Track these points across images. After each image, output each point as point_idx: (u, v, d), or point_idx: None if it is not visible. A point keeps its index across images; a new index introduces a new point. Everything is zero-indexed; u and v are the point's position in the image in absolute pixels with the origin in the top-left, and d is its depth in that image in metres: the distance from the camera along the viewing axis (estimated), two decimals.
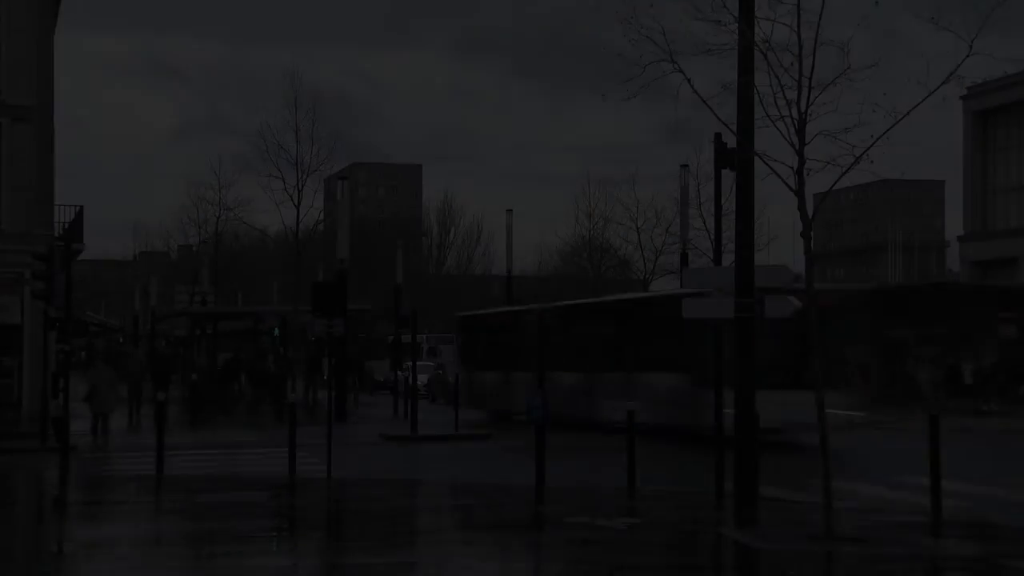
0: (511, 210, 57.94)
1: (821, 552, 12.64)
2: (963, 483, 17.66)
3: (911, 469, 19.02)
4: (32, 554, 13.73)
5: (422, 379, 41.20)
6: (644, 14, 12.91)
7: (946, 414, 19.82)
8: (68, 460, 20.44)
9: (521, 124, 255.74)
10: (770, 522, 15.36)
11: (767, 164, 13.25)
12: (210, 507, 16.66)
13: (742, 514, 15.63)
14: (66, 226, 36.77)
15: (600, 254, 65.18)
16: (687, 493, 18.17)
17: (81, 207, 38.62)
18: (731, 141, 16.15)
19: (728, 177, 19.59)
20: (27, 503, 19.09)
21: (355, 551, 13.53)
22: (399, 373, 40.78)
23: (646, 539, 14.83)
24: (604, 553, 13.31)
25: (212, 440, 28.80)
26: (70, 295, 26.33)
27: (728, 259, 24.06)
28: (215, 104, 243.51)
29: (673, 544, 14.35)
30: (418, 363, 35.21)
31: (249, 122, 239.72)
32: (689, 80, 13.16)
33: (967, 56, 12.35)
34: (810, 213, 13.12)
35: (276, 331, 45.22)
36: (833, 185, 13.42)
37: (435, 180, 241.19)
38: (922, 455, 15.47)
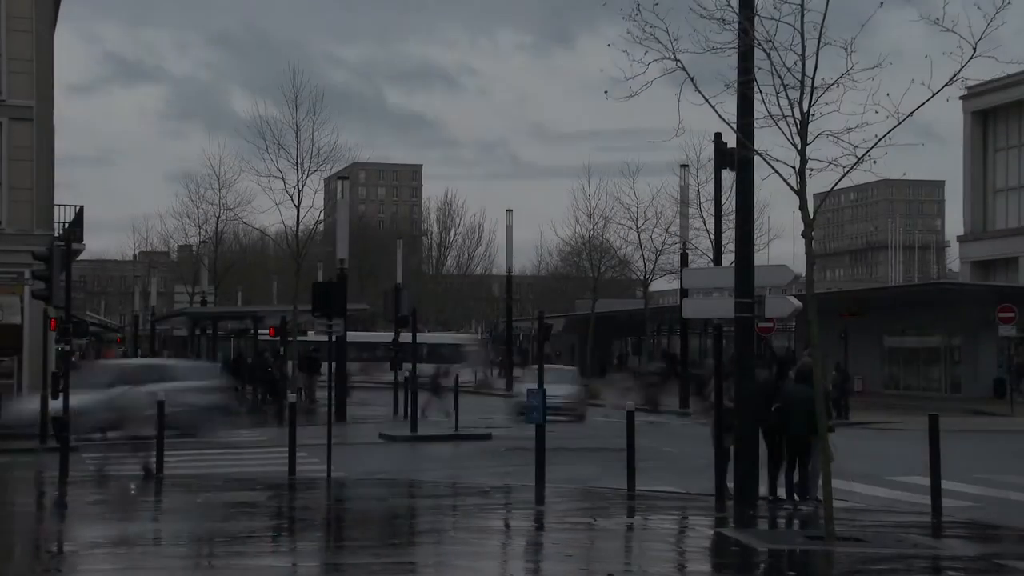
0: (511, 210, 58.01)
1: (821, 552, 12.63)
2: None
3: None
4: (32, 554, 13.72)
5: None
6: (648, 11, 12.90)
7: None
8: (68, 460, 20.39)
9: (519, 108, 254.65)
10: (770, 522, 15.36)
11: (769, 164, 13.24)
12: (210, 507, 16.65)
13: (742, 514, 15.63)
14: (66, 226, 36.73)
15: (600, 254, 65.00)
16: (687, 493, 18.15)
17: (81, 207, 38.57)
18: (732, 140, 16.13)
19: (728, 177, 19.60)
20: (27, 503, 19.07)
21: (355, 551, 13.51)
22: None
23: (646, 539, 14.83)
24: (604, 554, 13.31)
25: (212, 440, 28.75)
26: (70, 295, 26.31)
27: (728, 259, 24.05)
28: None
29: (673, 544, 14.34)
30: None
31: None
32: (692, 78, 13.15)
33: (971, 58, 12.34)
34: (811, 213, 13.10)
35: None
36: (834, 185, 13.42)
37: (435, 178, 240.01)
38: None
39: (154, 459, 20.59)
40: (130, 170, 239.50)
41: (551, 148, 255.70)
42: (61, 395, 25.70)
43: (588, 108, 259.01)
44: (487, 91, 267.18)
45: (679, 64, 13.05)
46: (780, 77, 12.70)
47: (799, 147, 12.77)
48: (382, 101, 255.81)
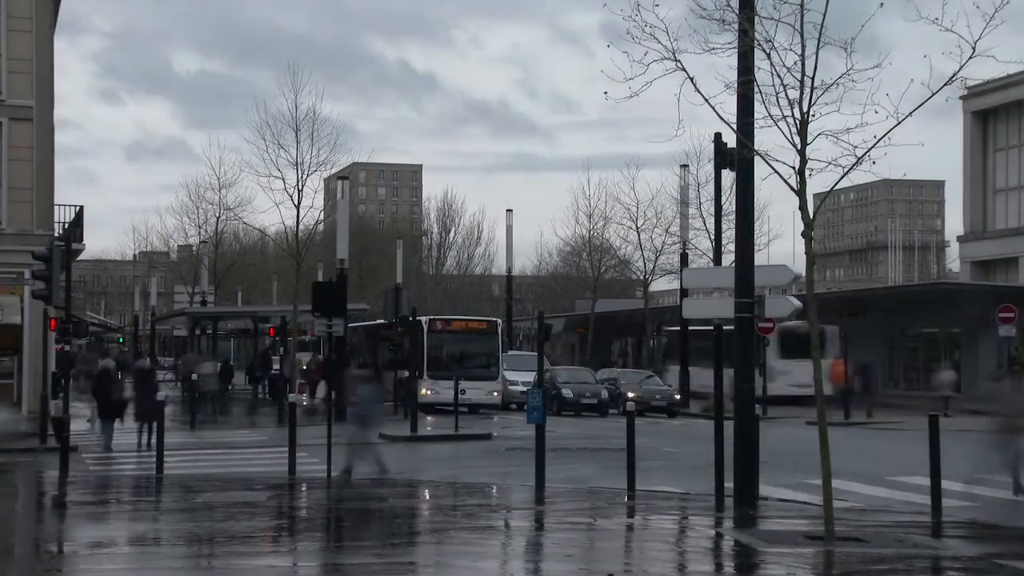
0: (511, 210, 58.07)
1: (821, 552, 12.63)
2: None
3: None
4: (32, 554, 13.72)
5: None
6: (648, 12, 12.90)
7: None
8: (68, 460, 20.42)
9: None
10: (770, 522, 15.36)
11: (768, 164, 13.24)
12: (210, 507, 16.65)
13: (742, 514, 15.63)
14: (66, 226, 36.75)
15: (600, 254, 65.00)
16: (687, 493, 18.16)
17: (81, 207, 38.61)
18: (732, 141, 16.13)
19: (728, 177, 19.60)
20: (27, 503, 19.07)
21: (355, 551, 13.51)
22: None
23: (646, 539, 14.82)
24: (604, 554, 13.31)
25: (212, 440, 28.79)
26: (70, 295, 26.31)
27: (728, 259, 24.07)
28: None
29: (673, 544, 14.33)
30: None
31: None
32: (692, 78, 13.16)
33: (970, 57, 12.35)
34: (811, 213, 13.11)
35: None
36: (834, 185, 13.43)
37: (435, 178, 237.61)
38: None
39: None
40: (81, 148, 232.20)
41: (553, 126, 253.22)
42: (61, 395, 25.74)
43: (587, 68, 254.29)
44: (479, 43, 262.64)
45: (679, 64, 13.06)
46: (780, 77, 12.72)
47: (799, 147, 12.77)
48: (356, 49, 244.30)
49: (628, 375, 44.46)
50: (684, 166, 45.71)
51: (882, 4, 12.64)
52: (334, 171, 48.11)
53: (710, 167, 36.45)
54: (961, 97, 52.71)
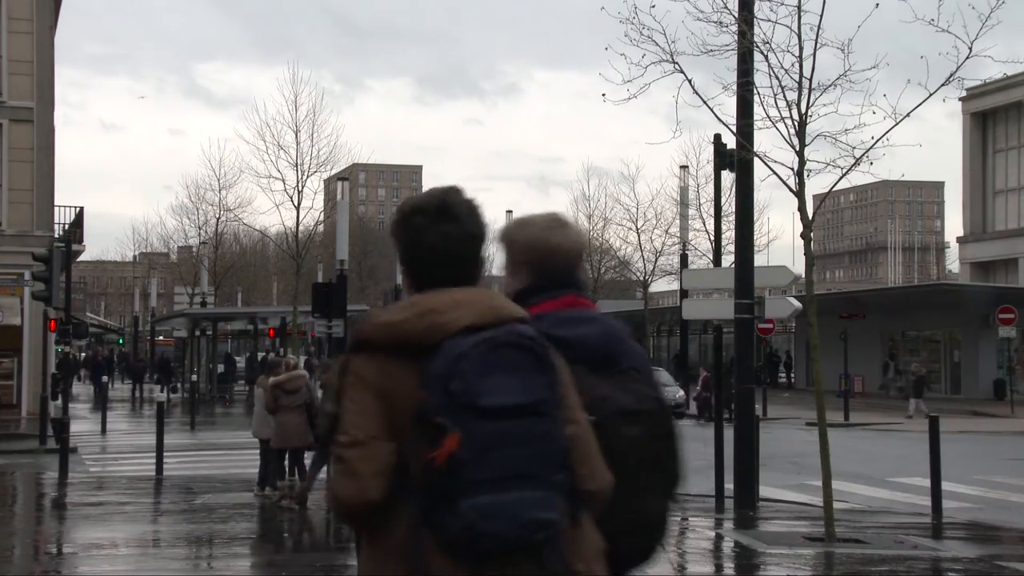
0: (511, 211, 58.10)
1: (821, 553, 12.63)
2: None
3: None
4: (32, 554, 13.72)
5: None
6: (645, 14, 12.92)
7: None
8: (68, 460, 20.43)
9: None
10: (770, 523, 15.36)
11: (767, 165, 13.26)
12: (209, 508, 16.65)
13: (742, 515, 15.64)
14: (66, 227, 36.78)
15: (600, 255, 65.01)
16: (687, 494, 18.15)
17: (81, 208, 38.67)
18: (731, 142, 16.14)
19: (728, 178, 19.61)
20: (27, 503, 19.08)
21: (353, 553, 13.50)
22: None
23: None
24: None
25: (212, 441, 28.78)
26: (69, 296, 26.33)
27: (728, 260, 24.08)
28: None
29: (673, 546, 14.33)
30: None
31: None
32: (690, 80, 13.18)
33: (967, 58, 12.37)
34: (810, 214, 13.12)
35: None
36: (833, 186, 13.44)
37: (435, 180, 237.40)
38: None
39: None
40: None
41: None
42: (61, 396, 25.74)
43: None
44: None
45: (677, 67, 13.08)
46: (778, 79, 12.74)
47: (797, 148, 12.79)
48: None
49: None
50: (684, 167, 45.71)
51: (877, 5, 12.67)
52: (334, 172, 48.16)
53: (710, 168, 36.47)
54: (960, 99, 52.78)
